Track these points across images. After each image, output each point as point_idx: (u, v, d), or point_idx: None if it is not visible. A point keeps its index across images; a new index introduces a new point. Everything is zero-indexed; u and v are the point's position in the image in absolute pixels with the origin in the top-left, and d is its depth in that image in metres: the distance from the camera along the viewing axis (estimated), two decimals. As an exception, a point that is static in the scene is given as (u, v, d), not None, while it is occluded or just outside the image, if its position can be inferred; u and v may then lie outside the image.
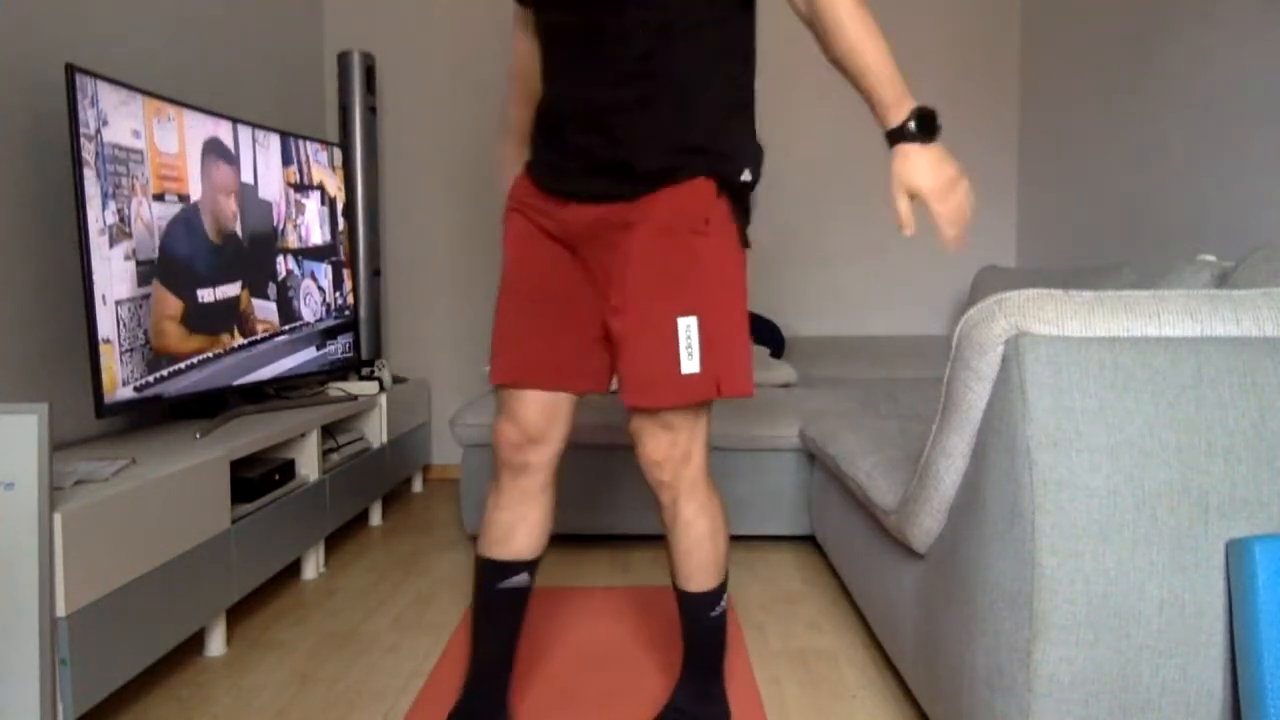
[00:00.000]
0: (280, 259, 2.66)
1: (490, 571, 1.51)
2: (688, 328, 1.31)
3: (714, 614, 1.53)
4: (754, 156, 1.41)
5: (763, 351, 3.49)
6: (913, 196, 1.28)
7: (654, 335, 1.33)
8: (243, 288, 2.46)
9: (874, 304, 3.89)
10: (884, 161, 3.81)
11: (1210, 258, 1.78)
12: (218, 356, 2.32)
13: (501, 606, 1.53)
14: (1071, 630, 1.13)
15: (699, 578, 1.49)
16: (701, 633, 1.55)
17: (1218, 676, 1.13)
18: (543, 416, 1.46)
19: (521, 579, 1.52)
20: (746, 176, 1.39)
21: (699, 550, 1.47)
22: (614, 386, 3.17)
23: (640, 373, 1.34)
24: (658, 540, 2.87)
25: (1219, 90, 2.44)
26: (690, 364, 1.32)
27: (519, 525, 1.49)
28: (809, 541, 2.88)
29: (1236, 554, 1.10)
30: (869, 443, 2.08)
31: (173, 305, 2.15)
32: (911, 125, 1.26)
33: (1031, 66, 3.69)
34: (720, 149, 1.36)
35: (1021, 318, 1.19)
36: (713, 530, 1.48)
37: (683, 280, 1.33)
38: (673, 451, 1.41)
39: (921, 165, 1.26)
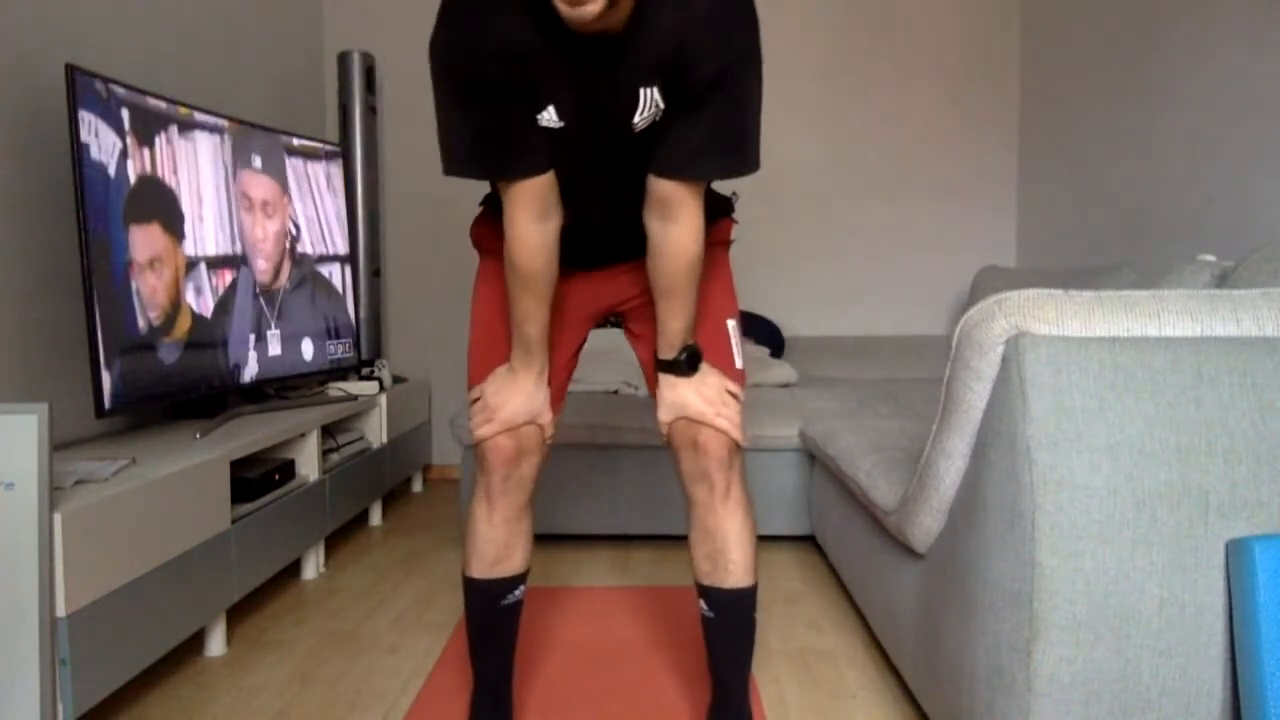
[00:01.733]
0: (279, 259, 2.66)
1: (491, 592, 1.50)
2: (732, 328, 1.48)
3: (755, 614, 1.51)
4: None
5: (763, 351, 3.49)
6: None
7: (712, 335, 1.46)
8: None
9: (874, 304, 3.89)
10: (885, 161, 3.82)
11: (1210, 258, 1.78)
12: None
13: (503, 623, 1.53)
14: (1071, 630, 1.13)
15: (748, 567, 1.45)
16: (745, 638, 1.50)
17: (1218, 676, 1.13)
18: (535, 429, 1.48)
19: (519, 592, 1.53)
20: (735, 202, 1.54)
21: (746, 535, 1.45)
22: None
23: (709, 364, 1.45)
24: (658, 540, 2.87)
25: (1219, 90, 2.44)
26: (739, 360, 1.48)
27: (516, 541, 1.50)
28: (809, 541, 2.88)
29: (1236, 554, 1.10)
30: (869, 443, 2.08)
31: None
32: (683, 360, 1.40)
33: (1031, 66, 3.69)
34: (720, 198, 1.48)
35: (1021, 318, 1.19)
36: (753, 517, 1.49)
37: (721, 287, 1.48)
38: (733, 434, 1.42)
39: (689, 394, 1.41)
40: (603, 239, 1.43)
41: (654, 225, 1.30)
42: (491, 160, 1.26)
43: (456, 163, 1.25)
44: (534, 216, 1.30)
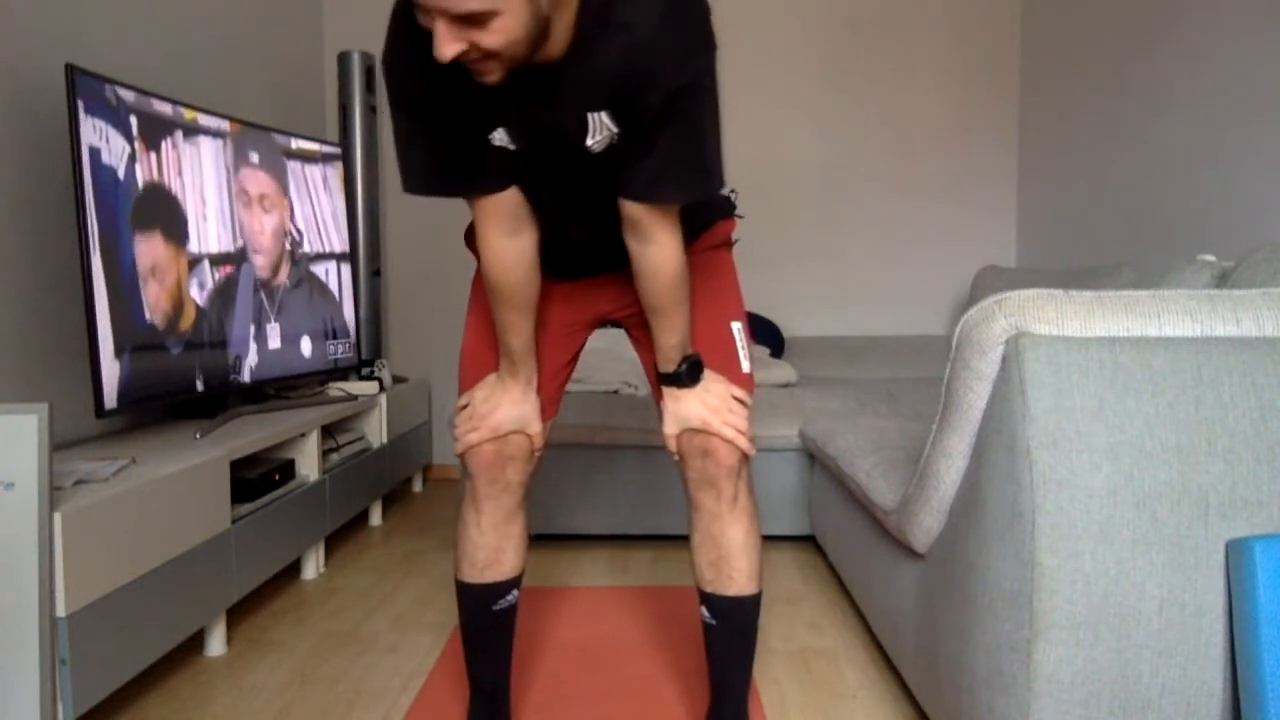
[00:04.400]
0: (279, 259, 2.66)
1: (483, 596, 1.49)
2: (738, 331, 1.45)
3: (759, 621, 1.50)
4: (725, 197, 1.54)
5: (763, 351, 3.49)
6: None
7: (715, 339, 1.43)
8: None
9: (874, 304, 3.89)
10: (885, 161, 3.82)
11: (1210, 258, 1.78)
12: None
13: (497, 628, 1.52)
14: (1071, 630, 1.13)
15: (752, 575, 1.44)
16: (747, 646, 1.49)
17: (1218, 676, 1.13)
18: (522, 436, 1.46)
19: (513, 596, 1.52)
20: (734, 199, 1.52)
21: (752, 543, 1.44)
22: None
23: (713, 370, 1.44)
24: (657, 540, 2.87)
25: (1219, 90, 2.44)
26: (746, 364, 1.45)
27: (506, 545, 1.49)
28: (809, 541, 2.88)
29: (1236, 554, 1.10)
30: (869, 443, 2.08)
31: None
32: (683, 371, 1.38)
33: (1031, 66, 3.69)
34: (715, 199, 1.46)
35: (1021, 318, 1.19)
36: (759, 524, 1.48)
37: (724, 288, 1.47)
38: (739, 444, 1.41)
39: (693, 404, 1.39)
40: (584, 251, 1.42)
41: (632, 245, 1.28)
42: (445, 179, 1.26)
43: (413, 181, 1.26)
44: (504, 232, 1.31)
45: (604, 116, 1.17)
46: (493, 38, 1.01)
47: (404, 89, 1.18)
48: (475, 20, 1.00)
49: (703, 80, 1.14)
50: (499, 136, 1.21)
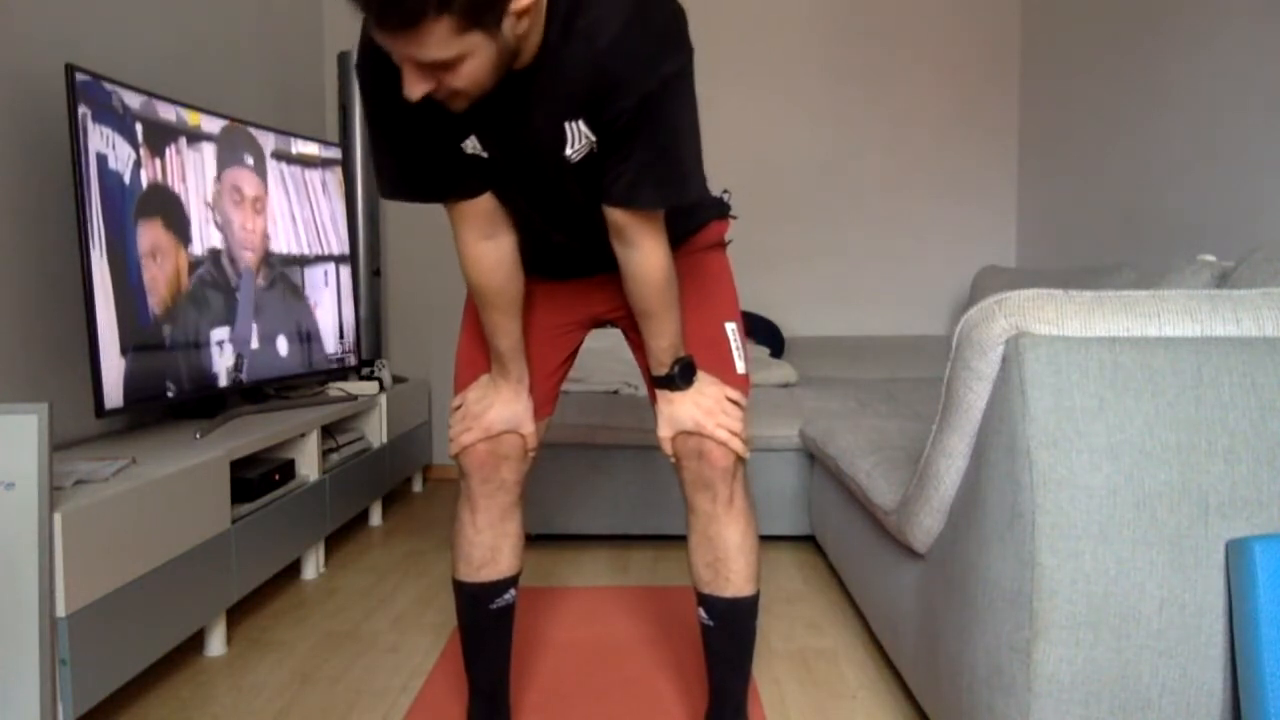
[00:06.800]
0: (279, 259, 2.66)
1: (480, 596, 1.50)
2: (732, 332, 1.45)
3: (757, 622, 1.50)
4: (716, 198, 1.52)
5: (763, 351, 3.49)
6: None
7: (709, 341, 1.43)
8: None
9: (874, 304, 3.89)
10: (884, 161, 3.82)
11: (1210, 258, 1.78)
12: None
13: (495, 626, 1.52)
14: (1071, 630, 1.13)
15: (749, 576, 1.44)
16: (745, 647, 1.49)
17: (1218, 676, 1.13)
18: (515, 436, 1.47)
19: (510, 595, 1.52)
20: (727, 200, 1.51)
21: (749, 544, 1.44)
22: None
23: (707, 372, 1.43)
24: (656, 540, 2.87)
25: (1219, 90, 2.44)
26: (741, 364, 1.45)
27: (502, 544, 1.49)
28: (809, 541, 2.88)
29: (1236, 554, 1.10)
30: (869, 443, 2.08)
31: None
32: (676, 373, 1.37)
33: (1031, 66, 3.69)
34: (706, 200, 1.44)
35: (1021, 318, 1.19)
36: (756, 525, 1.48)
37: (718, 289, 1.47)
38: (732, 446, 1.40)
39: (687, 406, 1.38)
40: (570, 253, 1.42)
41: (618, 250, 1.28)
42: (418, 185, 1.27)
43: (386, 186, 1.28)
44: (481, 235, 1.32)
45: (581, 125, 1.17)
46: (460, 79, 1.05)
47: (375, 96, 1.19)
48: (443, 65, 1.02)
49: (675, 85, 1.14)
50: (471, 144, 1.22)
